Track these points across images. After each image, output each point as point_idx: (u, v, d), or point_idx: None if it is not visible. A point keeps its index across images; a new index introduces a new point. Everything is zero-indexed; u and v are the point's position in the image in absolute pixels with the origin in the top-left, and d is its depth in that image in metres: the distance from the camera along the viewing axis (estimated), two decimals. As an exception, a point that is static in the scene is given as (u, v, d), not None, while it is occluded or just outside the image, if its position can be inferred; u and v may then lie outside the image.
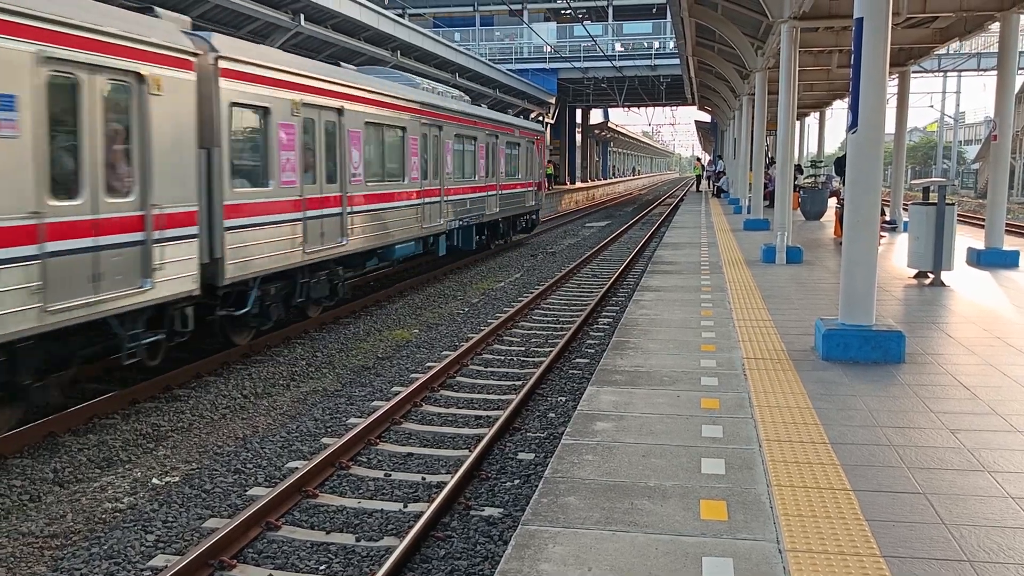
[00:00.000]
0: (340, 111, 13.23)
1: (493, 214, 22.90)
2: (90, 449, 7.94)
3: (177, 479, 7.32)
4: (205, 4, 16.06)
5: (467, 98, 22.03)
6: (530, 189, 26.95)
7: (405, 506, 6.77)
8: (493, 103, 39.44)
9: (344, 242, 13.42)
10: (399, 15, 31.65)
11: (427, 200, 17.56)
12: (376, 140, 15.05)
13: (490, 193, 22.49)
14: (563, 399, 9.80)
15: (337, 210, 13.27)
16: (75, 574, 5.62)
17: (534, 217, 28.57)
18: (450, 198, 19.15)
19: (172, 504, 6.75)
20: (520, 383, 10.46)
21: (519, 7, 50.11)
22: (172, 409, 9.25)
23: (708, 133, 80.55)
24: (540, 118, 49.70)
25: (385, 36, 23.89)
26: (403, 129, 16.11)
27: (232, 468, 7.55)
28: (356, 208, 14.02)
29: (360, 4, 21.92)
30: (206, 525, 6.38)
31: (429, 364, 11.40)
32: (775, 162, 19.32)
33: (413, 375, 10.83)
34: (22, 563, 5.78)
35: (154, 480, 7.28)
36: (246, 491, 7.06)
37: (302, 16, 18.93)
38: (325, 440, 8.34)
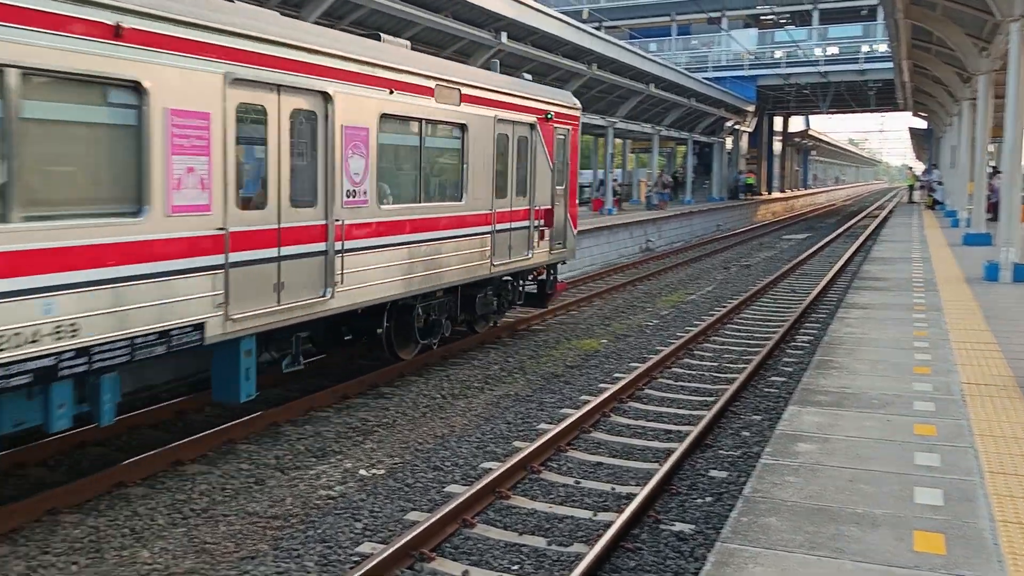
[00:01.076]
0: None
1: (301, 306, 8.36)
2: (307, 439, 8.60)
3: (382, 472, 7.78)
4: (415, 27, 16.98)
5: None
6: (520, 227, 12.72)
7: (595, 514, 6.83)
8: (688, 112, 38.85)
9: None
10: (596, 28, 31.92)
11: None
12: None
13: (305, 252, 8.40)
14: (758, 418, 9.50)
15: None
16: (293, 554, 6.11)
17: (548, 278, 14.42)
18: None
19: (378, 495, 7.18)
20: (712, 399, 10.24)
21: (718, 15, 49.06)
22: (378, 405, 9.84)
23: (922, 140, 75.11)
24: (737, 126, 48.37)
25: (583, 50, 24.16)
26: None
27: (431, 465, 7.93)
28: None
29: (561, 20, 22.30)
30: (407, 517, 6.74)
31: (617, 375, 11.41)
32: (1000, 172, 17.72)
33: (602, 385, 10.88)
34: (248, 540, 6.36)
35: (362, 471, 7.78)
36: (444, 487, 7.39)
37: (504, 34, 19.54)
38: (517, 443, 8.56)
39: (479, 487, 6.97)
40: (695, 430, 8.66)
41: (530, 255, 13.07)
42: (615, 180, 35.10)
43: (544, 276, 14.32)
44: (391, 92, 9.57)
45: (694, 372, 11.76)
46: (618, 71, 27.70)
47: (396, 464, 7.98)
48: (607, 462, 8.12)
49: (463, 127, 11.18)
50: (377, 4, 15.23)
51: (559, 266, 14.92)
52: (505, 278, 13.19)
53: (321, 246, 8.62)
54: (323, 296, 8.65)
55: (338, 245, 8.79)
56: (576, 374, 11.64)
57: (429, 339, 11.54)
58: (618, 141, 42.68)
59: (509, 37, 19.97)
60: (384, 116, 9.55)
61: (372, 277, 9.44)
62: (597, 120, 30.43)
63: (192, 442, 8.00)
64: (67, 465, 7.53)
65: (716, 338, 14.10)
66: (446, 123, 10.90)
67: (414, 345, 11.32)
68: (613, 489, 7.41)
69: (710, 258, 27.42)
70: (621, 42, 29.88)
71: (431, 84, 10.37)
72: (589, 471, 7.89)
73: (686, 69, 40.92)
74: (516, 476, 7.56)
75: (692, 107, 37.81)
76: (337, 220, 8.77)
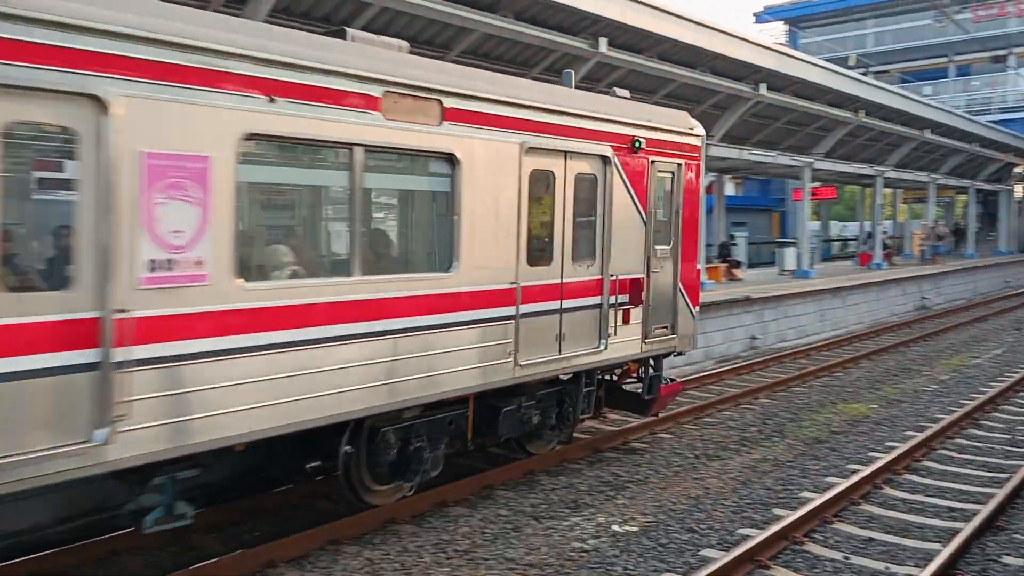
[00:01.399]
0: None
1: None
2: (560, 490, 8.75)
3: (635, 529, 7.72)
4: (672, 83, 17.13)
5: None
6: (583, 305, 8.73)
7: (866, 595, 6.31)
8: (969, 159, 35.53)
9: None
10: (862, 74, 30.30)
11: None
12: None
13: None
14: (1064, 501, 8.34)
15: None
16: (548, 603, 6.21)
17: (648, 375, 10.04)
18: None
19: (631, 552, 7.13)
20: (1005, 476, 9.15)
21: (1004, 53, 44.70)
22: (630, 461, 9.80)
23: None
24: (1013, 167, 43.39)
25: (848, 97, 22.99)
26: None
27: (686, 526, 7.74)
28: None
29: (822, 67, 21.48)
30: (661, 579, 6.62)
31: (890, 444, 10.55)
32: None
33: (872, 454, 10.11)
34: (505, 584, 6.56)
35: (615, 527, 7.76)
36: (699, 551, 7.18)
37: (764, 85, 19.14)
38: (777, 511, 8.14)
39: (737, 554, 6.71)
40: (985, 509, 7.80)
41: (601, 346, 8.93)
42: (885, 232, 32.84)
43: (644, 373, 10.03)
44: (271, 100, 5.94)
45: (982, 444, 10.59)
46: (887, 117, 26.03)
47: (649, 522, 7.88)
48: (879, 538, 7.50)
49: (451, 159, 7.28)
50: (635, 64, 15.54)
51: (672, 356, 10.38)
52: (582, 372, 9.15)
53: (85, 355, 5.09)
54: (83, 443, 5.06)
55: (120, 354, 5.20)
56: (842, 440, 10.89)
57: (398, 481, 7.59)
58: (888, 191, 39.91)
59: (768, 88, 19.55)
60: (254, 138, 5.94)
61: (214, 402, 5.68)
62: (865, 169, 28.75)
63: (455, 486, 8.43)
64: (348, 499, 8.20)
65: (1008, 407, 12.62)
66: (411, 152, 7.09)
67: (387, 487, 7.62)
68: (887, 568, 6.84)
69: (997, 318, 24.68)
70: (891, 86, 28.09)
71: (373, 90, 6.58)
72: (859, 546, 7.33)
73: (966, 112, 37.56)
74: (777, 545, 7.19)
75: (974, 152, 34.57)
76: (120, 312, 5.19)
